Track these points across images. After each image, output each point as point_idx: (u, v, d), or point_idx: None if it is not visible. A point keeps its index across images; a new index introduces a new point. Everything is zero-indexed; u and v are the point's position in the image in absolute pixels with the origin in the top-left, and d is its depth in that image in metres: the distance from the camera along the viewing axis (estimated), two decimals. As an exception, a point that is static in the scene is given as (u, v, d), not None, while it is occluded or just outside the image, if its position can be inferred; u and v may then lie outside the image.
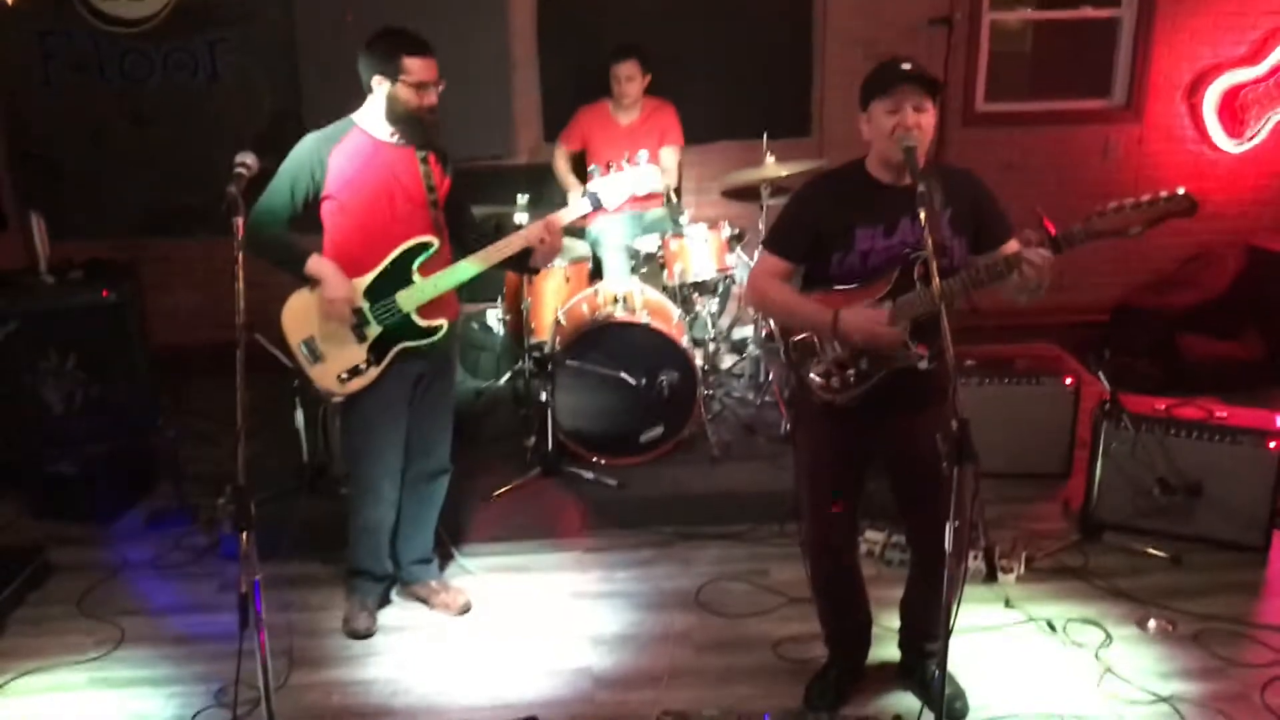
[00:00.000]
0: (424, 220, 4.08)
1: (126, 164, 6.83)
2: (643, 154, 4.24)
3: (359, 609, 4.46)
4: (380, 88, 3.96)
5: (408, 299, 4.05)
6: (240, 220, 3.33)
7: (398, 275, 4.04)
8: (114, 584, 4.82)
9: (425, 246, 4.04)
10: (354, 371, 4.09)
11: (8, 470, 5.56)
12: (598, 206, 4.20)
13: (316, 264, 3.98)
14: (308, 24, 6.65)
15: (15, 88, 6.76)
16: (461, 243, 4.25)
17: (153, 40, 6.70)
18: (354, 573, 4.51)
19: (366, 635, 4.39)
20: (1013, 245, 3.37)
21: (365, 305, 4.04)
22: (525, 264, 4.23)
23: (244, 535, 2.88)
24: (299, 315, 4.08)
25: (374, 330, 4.07)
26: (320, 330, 4.06)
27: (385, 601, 4.59)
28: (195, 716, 3.95)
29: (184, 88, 6.77)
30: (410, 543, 4.58)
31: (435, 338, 4.14)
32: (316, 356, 4.09)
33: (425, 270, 4.06)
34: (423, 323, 4.10)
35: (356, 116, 4.05)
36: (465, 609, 4.59)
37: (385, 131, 4.02)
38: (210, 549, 5.02)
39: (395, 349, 4.09)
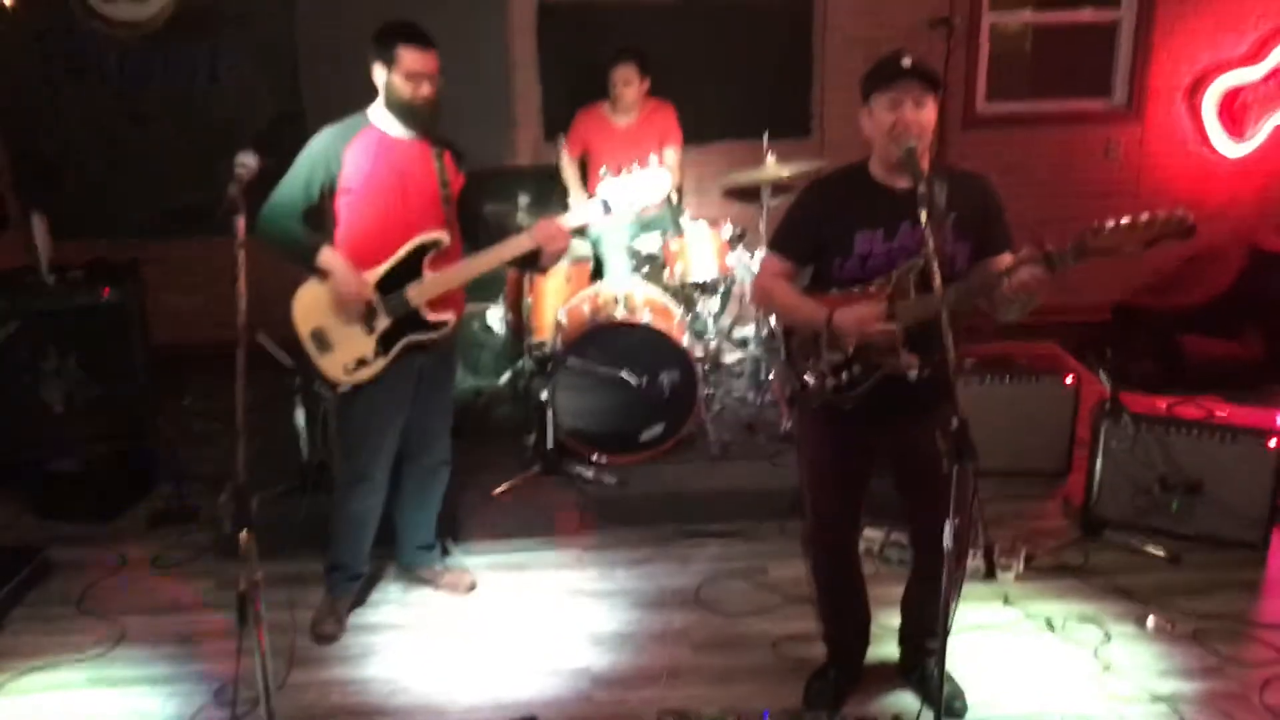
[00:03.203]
0: (436, 215, 4.12)
1: (126, 164, 6.84)
2: (653, 158, 4.23)
3: (328, 612, 4.46)
4: (379, 76, 4.00)
5: (417, 293, 4.08)
6: (240, 221, 3.35)
7: (408, 269, 4.07)
8: (114, 583, 4.83)
9: (436, 242, 4.08)
10: (361, 362, 4.11)
11: (8, 469, 5.57)
12: (609, 213, 4.18)
13: (328, 258, 3.99)
14: (308, 24, 6.66)
15: (15, 88, 6.77)
16: (473, 240, 4.28)
17: (153, 41, 6.71)
18: (331, 568, 4.51)
19: (331, 640, 4.39)
20: (1006, 259, 3.35)
21: (376, 297, 4.06)
22: (533, 263, 4.22)
23: (244, 534, 2.88)
24: (309, 306, 4.09)
25: (383, 322, 4.09)
26: (330, 321, 4.07)
27: (358, 603, 4.59)
28: (195, 715, 3.95)
29: (184, 88, 6.78)
30: (414, 530, 4.64)
31: (442, 331, 4.17)
32: (325, 346, 4.10)
33: (435, 265, 4.10)
34: (431, 316, 4.14)
35: (370, 112, 4.09)
36: (471, 587, 4.67)
37: (397, 126, 4.05)
38: (210, 548, 5.02)
39: (402, 341, 4.12)
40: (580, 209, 4.25)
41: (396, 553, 4.75)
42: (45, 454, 5.42)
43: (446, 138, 4.20)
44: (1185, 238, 2.99)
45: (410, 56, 3.94)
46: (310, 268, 4.03)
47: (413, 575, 4.73)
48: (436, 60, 4.01)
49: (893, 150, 3.28)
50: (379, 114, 4.07)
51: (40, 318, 5.43)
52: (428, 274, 4.09)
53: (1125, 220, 2.98)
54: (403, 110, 4.01)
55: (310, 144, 4.02)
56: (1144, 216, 2.97)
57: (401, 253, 4.05)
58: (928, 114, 3.28)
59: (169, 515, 5.31)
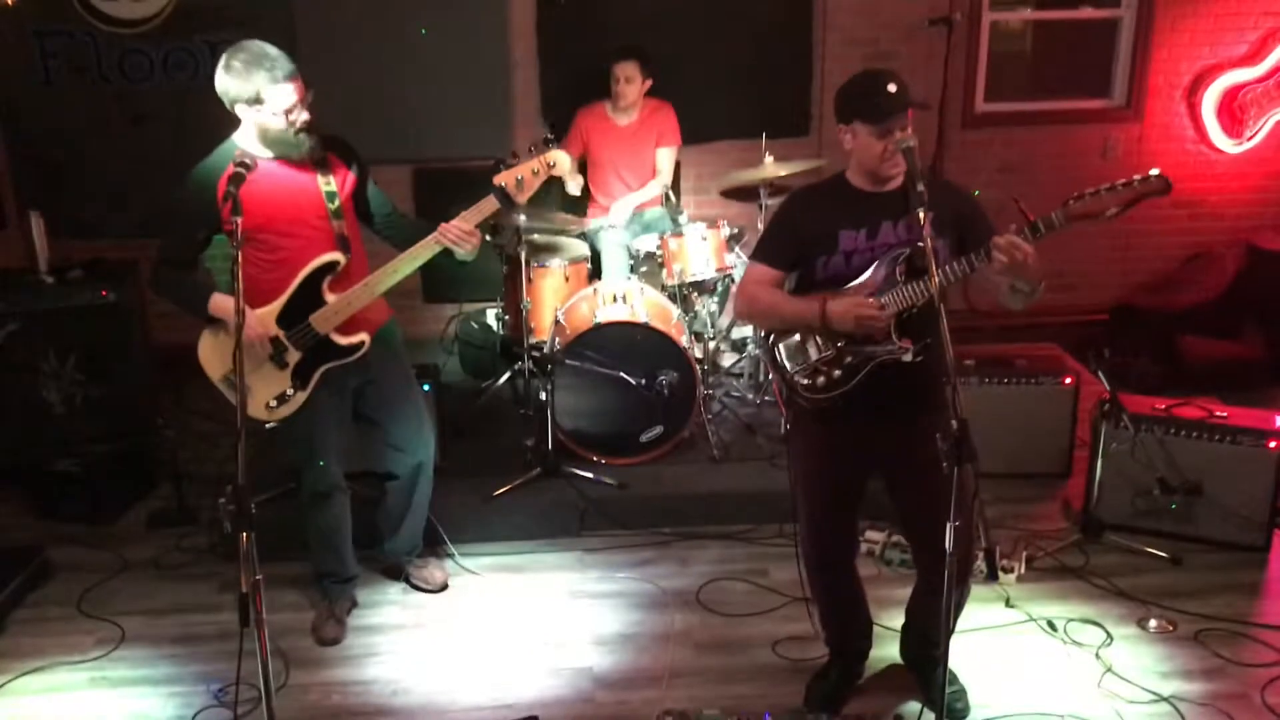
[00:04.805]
0: (326, 234, 3.96)
1: (126, 164, 6.83)
2: (550, 141, 4.11)
3: (327, 616, 4.45)
4: (246, 115, 3.80)
5: (322, 320, 3.97)
6: (239, 221, 3.32)
7: (308, 298, 3.95)
8: (114, 584, 4.82)
9: (331, 264, 3.94)
10: (281, 399, 4.02)
11: (8, 470, 5.56)
12: (506, 203, 3.98)
13: (218, 304, 3.89)
14: (307, 24, 6.65)
15: (15, 87, 6.76)
16: (386, 236, 4.17)
17: (152, 40, 6.71)
18: (320, 575, 4.51)
19: (334, 642, 4.37)
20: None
21: (280, 333, 3.96)
22: (449, 257, 4.05)
23: (244, 535, 2.87)
24: (212, 354, 4.00)
25: (294, 356, 3.99)
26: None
27: (354, 604, 4.59)
28: (195, 716, 3.95)
29: (184, 88, 6.77)
30: (399, 538, 4.63)
31: (358, 354, 4.06)
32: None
33: (336, 287, 3.97)
34: (343, 340, 4.03)
35: (238, 138, 3.89)
36: (443, 586, 4.66)
37: (268, 150, 3.88)
38: (210, 549, 5.02)
39: (319, 371, 4.03)
40: (480, 203, 3.98)
41: (378, 548, 4.70)
42: (45, 454, 5.41)
43: (331, 138, 3.98)
44: (1162, 194, 3.10)
45: (280, 94, 3.72)
46: (204, 318, 3.90)
47: (387, 563, 4.72)
48: (302, 85, 3.78)
49: (884, 169, 3.34)
50: (248, 140, 3.87)
51: (40, 318, 5.42)
52: (330, 298, 3.96)
53: (1105, 185, 3.09)
54: (282, 144, 3.82)
55: (183, 187, 3.84)
56: (1121, 180, 3.08)
57: (296, 283, 3.92)
58: (909, 130, 3.29)
59: (169, 515, 5.30)
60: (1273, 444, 4.68)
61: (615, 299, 5.51)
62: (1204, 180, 7.39)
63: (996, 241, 3.16)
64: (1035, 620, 4.37)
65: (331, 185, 3.96)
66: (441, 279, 6.88)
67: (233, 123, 3.89)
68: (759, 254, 3.59)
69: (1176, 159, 7.38)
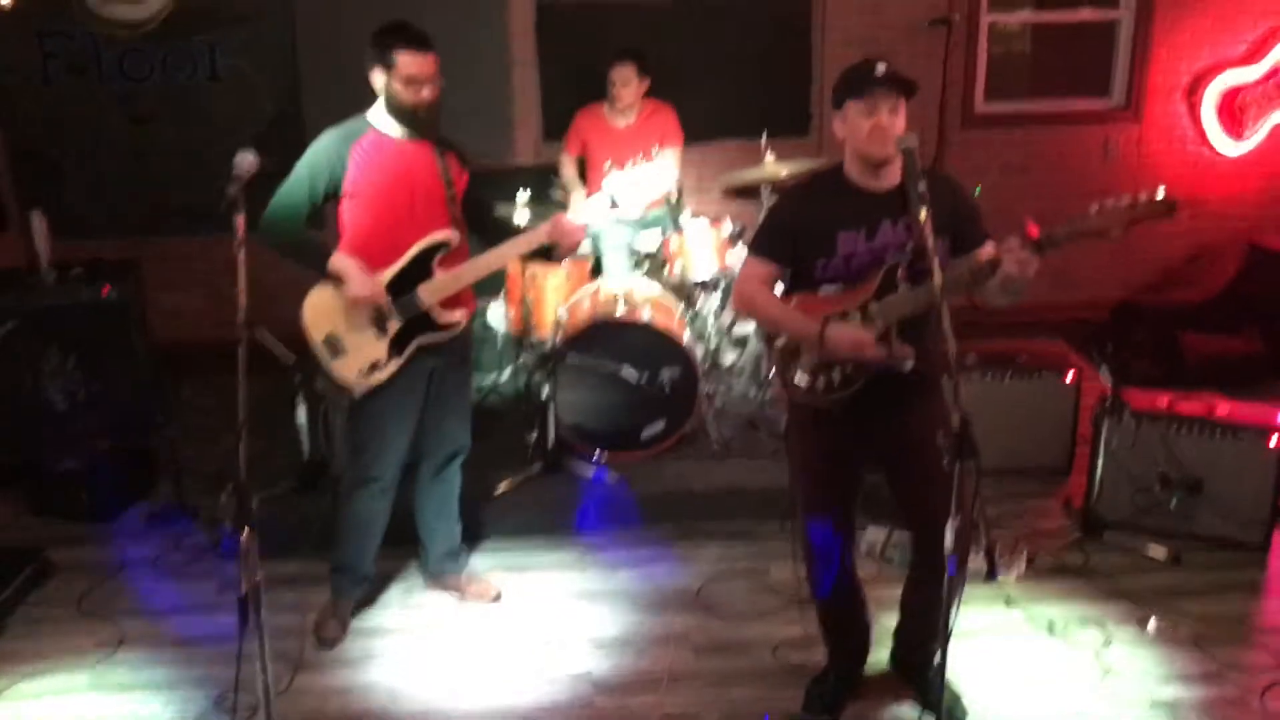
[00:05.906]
0: (443, 215, 4.11)
1: (126, 164, 6.83)
2: (655, 149, 4.24)
3: (330, 615, 4.44)
4: (378, 80, 3.98)
5: (429, 292, 4.08)
6: (240, 219, 3.34)
7: (419, 270, 4.07)
8: (114, 584, 4.81)
9: (445, 242, 4.09)
10: (375, 366, 4.10)
11: (8, 469, 5.56)
12: (615, 207, 4.21)
13: (340, 262, 3.99)
14: (308, 24, 6.65)
15: (15, 88, 6.76)
16: (483, 236, 4.29)
17: (152, 41, 6.70)
18: (335, 569, 4.48)
19: (334, 644, 4.37)
20: (988, 250, 3.37)
21: (386, 300, 4.06)
22: (545, 255, 4.26)
23: (245, 533, 2.87)
24: (321, 311, 4.07)
25: (395, 324, 4.09)
26: (342, 326, 4.07)
27: (361, 605, 4.58)
28: None
29: (184, 88, 6.77)
30: (436, 535, 4.62)
31: (452, 332, 4.18)
32: (338, 352, 4.09)
33: (445, 265, 4.11)
34: (442, 318, 4.14)
35: (370, 115, 4.06)
36: (497, 598, 4.65)
37: (398, 128, 4.04)
38: (210, 548, 5.01)
39: (414, 343, 4.12)
40: (590, 204, 4.27)
41: (422, 561, 4.73)
42: (45, 454, 5.41)
43: (449, 139, 4.18)
44: (1167, 217, 3.05)
45: (408, 60, 3.91)
46: (322, 271, 4.02)
47: (438, 584, 4.70)
48: (435, 62, 3.97)
49: (874, 153, 3.32)
50: (379, 117, 4.05)
51: (41, 317, 5.42)
52: (438, 274, 4.09)
53: (1109, 202, 3.05)
54: (404, 115, 3.99)
55: (314, 146, 4.00)
56: (1126, 199, 3.03)
57: (411, 253, 4.06)
58: (901, 120, 3.31)
59: (169, 515, 5.30)
60: (1273, 440, 4.68)
61: (617, 296, 5.51)
62: (1204, 181, 7.39)
63: (1008, 257, 3.15)
64: (1034, 621, 4.38)
65: (450, 175, 4.14)
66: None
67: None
68: (756, 249, 3.58)
69: (1176, 160, 7.39)
